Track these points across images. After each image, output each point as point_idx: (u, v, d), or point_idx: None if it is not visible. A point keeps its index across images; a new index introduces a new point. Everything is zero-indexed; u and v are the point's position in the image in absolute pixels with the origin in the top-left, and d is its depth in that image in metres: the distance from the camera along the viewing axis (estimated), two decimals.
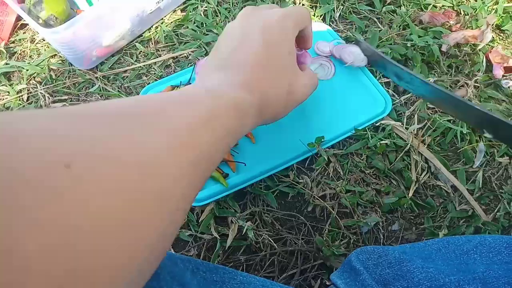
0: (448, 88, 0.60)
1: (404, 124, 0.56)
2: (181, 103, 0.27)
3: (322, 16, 0.70)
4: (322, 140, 0.52)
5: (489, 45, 0.65)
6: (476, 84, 0.60)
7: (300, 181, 0.52)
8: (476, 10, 0.69)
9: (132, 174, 0.19)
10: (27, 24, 0.72)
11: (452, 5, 0.71)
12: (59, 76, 0.66)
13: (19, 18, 0.71)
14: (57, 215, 0.15)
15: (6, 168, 0.15)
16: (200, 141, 0.25)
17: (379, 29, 0.68)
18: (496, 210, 0.50)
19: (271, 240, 0.48)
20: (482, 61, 0.63)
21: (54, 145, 0.17)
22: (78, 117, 0.21)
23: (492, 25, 0.65)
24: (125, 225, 0.18)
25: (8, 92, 0.63)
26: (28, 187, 0.15)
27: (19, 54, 0.68)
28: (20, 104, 0.62)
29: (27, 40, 0.70)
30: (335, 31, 0.68)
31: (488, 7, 0.69)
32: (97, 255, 0.17)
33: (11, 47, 0.69)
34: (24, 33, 0.71)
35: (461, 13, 0.70)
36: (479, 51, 0.64)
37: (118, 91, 0.62)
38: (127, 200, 0.19)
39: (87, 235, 0.16)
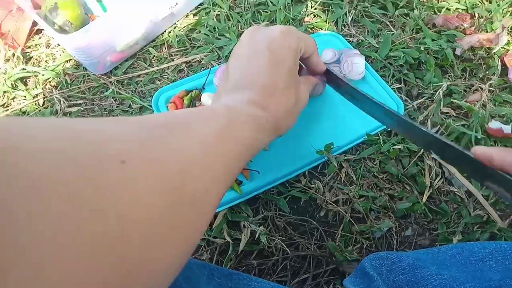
0: (462, 92, 0.59)
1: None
2: (205, 117, 0.29)
3: (334, 22, 0.70)
4: (332, 147, 0.52)
5: (504, 48, 0.64)
6: (490, 88, 0.60)
7: (312, 186, 0.52)
8: (491, 12, 0.68)
9: (174, 177, 0.21)
10: (42, 30, 0.73)
11: (466, 8, 0.71)
12: (74, 80, 0.67)
13: (35, 23, 0.72)
14: (113, 206, 0.17)
15: (69, 160, 0.17)
16: (224, 150, 0.27)
17: (392, 32, 0.68)
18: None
19: (284, 245, 0.49)
20: (497, 65, 0.62)
21: (110, 142, 0.19)
22: (125, 122, 0.23)
23: (508, 28, 0.64)
24: (165, 223, 0.20)
25: (25, 97, 0.64)
26: (89, 179, 0.17)
27: (35, 59, 0.70)
28: (36, 108, 0.63)
29: (43, 46, 0.71)
30: (347, 35, 0.68)
31: (504, 9, 0.69)
32: (141, 247, 0.18)
33: (27, 52, 0.70)
34: (39, 38, 0.73)
35: (475, 16, 0.70)
36: (494, 54, 0.64)
37: (132, 95, 0.63)
38: (170, 201, 0.20)
39: (135, 227, 0.18)
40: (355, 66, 0.60)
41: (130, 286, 0.18)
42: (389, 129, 0.56)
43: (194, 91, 0.58)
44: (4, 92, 0.64)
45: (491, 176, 0.32)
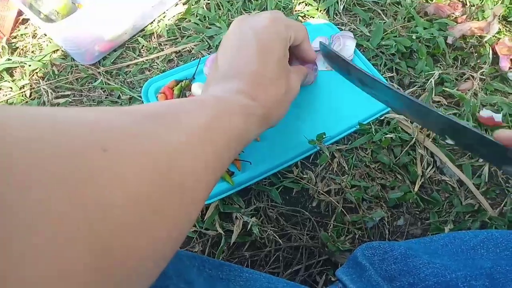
0: (454, 81, 0.59)
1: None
2: (194, 108, 0.28)
3: (326, 10, 0.69)
4: (324, 137, 0.52)
5: (496, 36, 0.64)
6: (482, 77, 0.60)
7: (304, 176, 0.52)
8: (483, 1, 0.68)
9: (161, 165, 0.21)
10: (28, 19, 0.72)
11: None
12: (61, 71, 0.65)
13: (20, 13, 0.71)
14: (96, 193, 0.17)
15: (50, 148, 0.16)
16: (212, 140, 0.27)
17: (384, 21, 0.67)
18: (502, 205, 0.50)
19: (276, 236, 0.48)
20: (489, 53, 0.62)
21: (91, 131, 0.19)
22: (109, 111, 0.22)
23: (499, 16, 0.64)
24: (152, 209, 0.20)
25: (11, 88, 0.63)
26: (71, 167, 0.16)
27: (21, 49, 0.68)
28: (23, 100, 0.62)
29: (29, 36, 0.69)
30: (339, 24, 0.68)
31: None
32: (128, 235, 0.18)
33: (13, 43, 0.69)
34: (25, 28, 0.71)
35: (467, 4, 0.69)
36: (486, 43, 0.63)
37: (121, 85, 0.62)
38: (157, 187, 0.20)
39: (121, 215, 0.18)
40: (345, 48, 0.60)
41: (119, 274, 0.18)
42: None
43: (184, 81, 0.57)
44: None
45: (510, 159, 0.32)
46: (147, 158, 0.20)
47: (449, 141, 0.38)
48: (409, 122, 0.54)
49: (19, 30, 0.70)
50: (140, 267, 0.19)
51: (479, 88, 0.59)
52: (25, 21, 0.72)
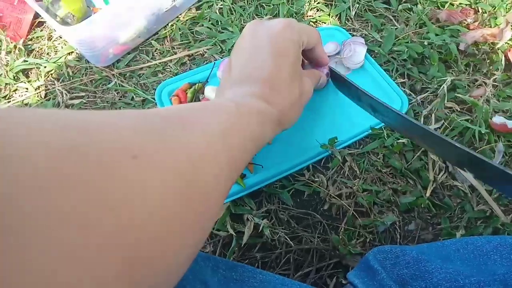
0: (466, 87, 0.59)
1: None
2: (212, 111, 0.29)
3: (338, 16, 0.70)
4: (336, 141, 0.52)
5: (508, 43, 0.64)
6: (494, 83, 0.60)
7: (316, 179, 0.52)
8: (495, 7, 0.68)
9: (185, 171, 0.21)
10: (44, 22, 0.73)
11: (469, 3, 0.70)
12: (76, 73, 0.66)
13: (36, 15, 0.72)
14: (128, 201, 0.17)
15: (81, 154, 0.16)
16: (230, 144, 0.27)
17: (395, 27, 0.68)
18: None
19: (287, 238, 0.49)
20: (501, 60, 0.62)
21: (122, 137, 0.19)
22: (133, 115, 0.22)
23: None
24: (178, 217, 0.20)
25: (27, 89, 0.64)
26: (103, 175, 0.16)
27: (37, 51, 0.69)
28: (39, 100, 0.63)
29: (45, 38, 0.71)
30: (351, 29, 0.68)
31: (507, 4, 0.69)
32: (154, 242, 0.18)
33: (29, 45, 0.70)
34: (41, 30, 0.72)
35: (479, 11, 0.69)
36: (498, 49, 0.63)
37: (134, 87, 0.63)
38: (182, 194, 0.20)
39: (148, 223, 0.18)
40: (355, 54, 0.60)
41: (144, 280, 0.18)
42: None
43: (197, 84, 0.57)
44: (6, 84, 0.64)
45: None
46: (173, 165, 0.20)
47: (468, 174, 0.36)
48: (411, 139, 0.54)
49: (35, 32, 0.72)
50: (166, 273, 0.20)
51: (491, 94, 0.59)
52: (41, 23, 0.73)
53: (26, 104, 0.62)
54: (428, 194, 0.51)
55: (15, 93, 0.65)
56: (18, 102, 0.62)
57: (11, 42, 0.68)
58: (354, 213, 0.50)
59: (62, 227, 0.14)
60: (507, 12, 0.67)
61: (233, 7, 0.72)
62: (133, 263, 0.17)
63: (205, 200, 0.23)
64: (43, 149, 0.15)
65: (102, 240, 0.15)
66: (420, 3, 0.70)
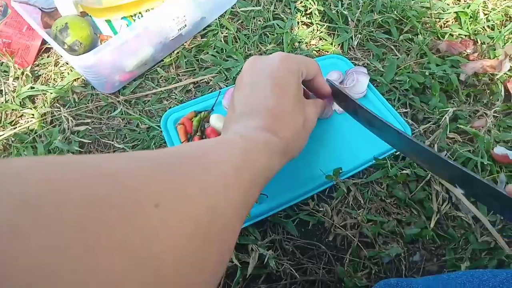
0: (467, 118, 0.60)
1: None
2: (222, 148, 0.29)
3: (340, 45, 0.71)
4: (340, 171, 0.53)
5: (507, 74, 0.65)
6: (495, 114, 0.61)
7: (320, 209, 0.52)
8: (494, 39, 0.69)
9: (203, 217, 0.22)
10: (51, 48, 0.74)
11: (468, 34, 0.72)
12: (82, 99, 0.67)
13: (44, 42, 0.73)
14: (151, 253, 0.17)
15: (107, 205, 0.17)
16: (243, 180, 0.27)
17: (397, 57, 0.69)
18: None
19: (292, 269, 0.48)
20: (501, 91, 0.63)
21: (145, 186, 0.19)
22: (150, 159, 0.23)
23: (510, 55, 0.66)
24: (196, 264, 0.20)
25: (33, 115, 0.64)
26: (130, 227, 0.17)
27: (43, 77, 0.70)
28: (44, 127, 0.63)
29: (51, 64, 0.72)
30: (353, 58, 0.69)
31: (505, 36, 0.70)
32: (181, 285, 0.19)
33: (36, 70, 0.71)
34: (48, 56, 0.73)
35: (478, 42, 0.71)
36: (497, 80, 0.65)
37: (140, 114, 0.63)
38: (200, 241, 0.21)
39: (170, 272, 0.18)
40: (358, 84, 0.61)
41: None
42: (402, 155, 0.56)
43: (203, 112, 0.58)
44: (13, 110, 0.65)
45: None
46: (193, 212, 0.21)
47: (459, 190, 0.38)
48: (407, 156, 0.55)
49: (42, 58, 0.73)
50: None
51: (492, 125, 0.59)
52: (48, 49, 0.74)
53: (31, 130, 0.63)
54: (432, 225, 0.51)
55: (21, 119, 0.65)
56: (24, 128, 0.63)
57: (19, 69, 0.69)
58: (359, 244, 0.50)
59: (85, 281, 0.14)
60: (505, 43, 0.69)
61: (237, 36, 0.73)
62: None
63: (223, 237, 0.24)
64: (78, 201, 0.16)
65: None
66: (421, 33, 0.72)
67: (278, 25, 0.74)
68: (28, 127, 0.63)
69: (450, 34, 0.72)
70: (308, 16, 0.76)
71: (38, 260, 0.13)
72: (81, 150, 0.61)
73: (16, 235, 0.14)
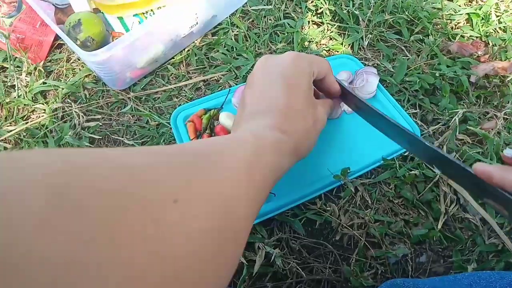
0: (477, 119, 0.60)
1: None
2: (234, 145, 0.30)
3: (350, 45, 0.71)
4: (348, 171, 0.53)
5: None
6: (505, 116, 0.60)
7: (328, 209, 0.53)
8: (506, 41, 0.69)
9: (219, 214, 0.22)
10: (63, 44, 0.75)
11: (480, 36, 0.72)
12: (92, 95, 0.68)
13: (56, 38, 0.74)
14: (170, 248, 0.18)
15: (128, 198, 0.17)
16: (254, 178, 0.28)
17: (407, 57, 0.69)
18: None
19: (298, 268, 0.49)
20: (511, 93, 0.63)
21: (164, 181, 0.20)
22: (167, 154, 0.23)
23: None
24: (211, 258, 0.21)
25: (44, 110, 0.65)
26: (151, 221, 0.17)
27: (55, 73, 0.71)
28: (55, 122, 0.64)
29: (63, 60, 0.72)
30: (363, 58, 0.69)
31: None
32: (189, 285, 0.19)
33: (48, 66, 0.72)
34: (60, 52, 0.74)
35: (489, 44, 0.71)
36: (509, 82, 0.64)
37: (150, 111, 0.64)
38: (216, 238, 0.21)
39: (187, 267, 0.19)
40: (367, 84, 0.61)
41: None
42: (411, 155, 0.56)
43: (212, 110, 0.59)
44: (25, 105, 0.66)
45: (490, 193, 0.32)
46: (207, 207, 0.21)
47: (436, 170, 0.39)
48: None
49: (54, 54, 0.73)
50: None
51: (502, 127, 0.59)
52: (60, 45, 0.75)
53: (43, 125, 0.64)
54: (439, 227, 0.51)
55: (33, 114, 0.66)
56: (35, 123, 0.64)
57: (32, 64, 0.70)
58: (366, 243, 0.50)
59: (110, 278, 0.15)
60: None
61: (248, 34, 0.73)
62: None
63: (236, 234, 0.24)
64: (94, 195, 0.16)
65: (146, 285, 0.16)
66: (432, 34, 0.72)
67: (288, 24, 0.75)
68: (40, 122, 0.64)
69: (461, 36, 0.72)
70: (319, 15, 0.76)
71: (63, 253, 0.14)
72: (91, 146, 0.61)
73: (44, 227, 0.14)
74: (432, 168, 0.54)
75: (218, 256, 0.21)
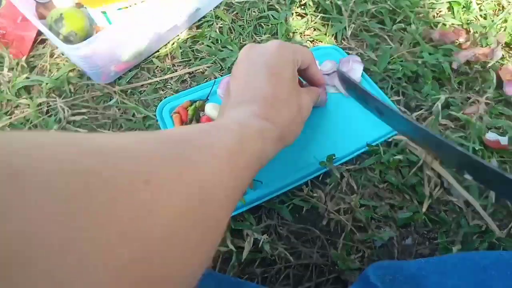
0: (459, 105, 0.61)
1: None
2: (216, 132, 0.30)
3: (334, 35, 0.72)
4: (334, 158, 0.53)
5: (499, 62, 0.66)
6: (487, 101, 0.61)
7: (314, 195, 0.53)
8: (486, 28, 0.70)
9: (194, 196, 0.22)
10: (46, 39, 0.74)
11: (461, 23, 0.73)
12: (77, 90, 0.67)
13: (39, 33, 0.73)
14: (139, 229, 0.17)
15: (96, 178, 0.17)
16: (236, 165, 0.28)
17: (390, 46, 0.70)
18: (510, 226, 0.51)
19: (287, 253, 0.49)
20: (493, 78, 0.64)
21: (135, 162, 0.20)
22: (143, 138, 0.23)
23: (502, 43, 0.66)
24: (188, 237, 0.21)
25: (28, 105, 0.65)
26: (117, 201, 0.17)
27: (39, 68, 0.70)
28: (40, 116, 0.64)
29: (47, 55, 0.72)
30: (347, 48, 0.70)
31: (497, 25, 0.71)
32: (162, 268, 0.19)
33: (31, 61, 0.71)
34: (43, 47, 0.73)
35: (470, 31, 0.72)
36: (490, 68, 0.65)
37: (136, 104, 0.64)
38: (190, 220, 0.21)
39: (158, 249, 0.18)
40: (352, 71, 0.62)
41: None
42: (395, 142, 0.57)
43: (198, 101, 0.59)
44: (8, 100, 0.65)
45: None
46: (182, 189, 0.21)
47: (468, 177, 0.39)
48: (416, 144, 0.56)
49: (37, 49, 0.73)
50: None
51: (484, 111, 0.60)
52: (43, 41, 0.74)
53: (27, 120, 0.63)
54: (424, 210, 0.52)
55: (16, 110, 0.65)
56: (19, 118, 0.63)
57: (14, 59, 0.69)
58: (352, 228, 0.51)
59: (75, 251, 0.15)
60: (497, 32, 0.70)
61: (232, 26, 0.73)
62: (141, 284, 0.17)
63: (214, 221, 0.24)
64: (64, 173, 0.16)
65: (113, 265, 0.16)
66: (414, 23, 0.73)
67: (272, 16, 0.75)
68: (24, 117, 0.64)
69: (443, 24, 0.73)
70: (302, 7, 0.77)
71: (25, 230, 0.14)
72: None
73: (6, 205, 0.14)
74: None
75: (194, 239, 0.21)
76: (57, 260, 0.14)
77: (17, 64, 0.69)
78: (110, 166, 0.18)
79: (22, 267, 0.13)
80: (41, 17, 0.70)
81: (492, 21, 0.72)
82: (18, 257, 0.13)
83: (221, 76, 0.66)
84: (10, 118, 0.63)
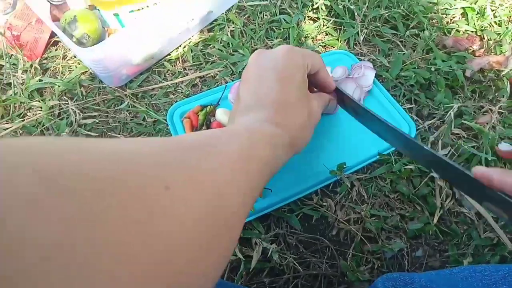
0: (472, 114, 0.60)
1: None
2: (228, 138, 0.29)
3: (346, 40, 0.71)
4: (344, 166, 0.53)
5: None
6: (500, 110, 0.61)
7: (324, 204, 0.53)
8: (500, 35, 0.69)
9: (211, 201, 0.22)
10: (59, 41, 0.75)
11: (475, 30, 0.72)
12: (89, 92, 0.68)
13: (52, 35, 0.74)
14: (162, 233, 0.18)
15: (119, 183, 0.17)
16: (249, 171, 0.28)
17: (403, 52, 0.69)
18: None
19: (295, 263, 0.49)
20: (507, 87, 0.63)
21: (156, 168, 0.20)
22: (164, 147, 0.24)
23: None
24: (204, 248, 0.21)
25: (41, 108, 0.65)
26: (138, 206, 0.17)
27: (52, 70, 0.71)
28: (51, 119, 0.64)
29: (59, 57, 0.72)
30: (359, 54, 0.69)
31: None
32: (183, 272, 0.19)
33: (44, 63, 0.72)
34: (56, 50, 0.74)
35: (484, 38, 0.71)
36: (503, 76, 0.64)
37: (146, 108, 0.64)
38: (208, 225, 0.22)
39: (180, 254, 0.19)
40: (364, 77, 0.61)
41: None
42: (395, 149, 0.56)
43: (209, 106, 0.59)
44: (21, 102, 0.66)
45: (490, 197, 0.33)
46: (199, 196, 0.22)
47: (434, 175, 0.40)
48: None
49: (50, 52, 0.73)
50: None
51: (497, 121, 0.59)
52: (56, 43, 0.75)
53: (39, 123, 0.64)
54: (435, 221, 0.51)
55: (29, 112, 0.66)
56: (32, 120, 0.64)
57: (27, 61, 0.70)
58: (362, 238, 0.51)
59: (103, 258, 0.15)
60: None
61: (244, 30, 0.73)
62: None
63: (230, 226, 0.24)
64: (85, 183, 0.16)
65: (140, 271, 0.16)
66: (427, 29, 0.72)
67: (284, 19, 0.75)
68: (36, 119, 0.64)
69: (456, 30, 0.72)
70: (314, 11, 0.76)
71: (55, 233, 0.14)
72: None
73: (35, 208, 0.14)
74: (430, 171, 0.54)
75: (211, 246, 0.22)
76: (86, 263, 0.14)
77: (31, 66, 0.69)
78: (132, 171, 0.19)
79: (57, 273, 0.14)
80: (55, 19, 0.71)
81: (507, 28, 0.71)
82: (52, 263, 0.14)
83: (232, 80, 0.66)
84: (23, 120, 0.64)
